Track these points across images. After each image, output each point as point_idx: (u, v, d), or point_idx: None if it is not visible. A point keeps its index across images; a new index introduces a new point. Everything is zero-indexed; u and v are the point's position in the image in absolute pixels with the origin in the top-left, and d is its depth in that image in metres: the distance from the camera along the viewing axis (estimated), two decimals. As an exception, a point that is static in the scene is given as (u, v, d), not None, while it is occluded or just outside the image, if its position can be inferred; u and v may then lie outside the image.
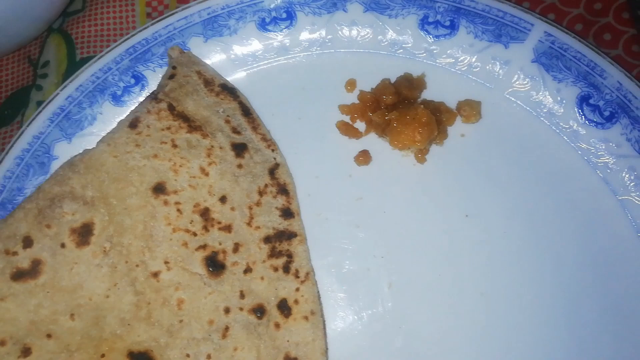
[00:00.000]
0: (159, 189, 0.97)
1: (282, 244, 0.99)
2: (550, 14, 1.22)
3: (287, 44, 1.15)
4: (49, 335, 0.87)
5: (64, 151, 1.07)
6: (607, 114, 1.04)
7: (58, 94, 1.08)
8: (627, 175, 1.02)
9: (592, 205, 1.03)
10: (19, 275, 0.89)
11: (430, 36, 1.12)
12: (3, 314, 0.87)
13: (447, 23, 1.11)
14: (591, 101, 1.05)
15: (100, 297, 0.91)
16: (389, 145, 1.09)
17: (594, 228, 1.02)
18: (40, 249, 0.91)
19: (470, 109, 1.09)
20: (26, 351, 0.85)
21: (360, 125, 1.12)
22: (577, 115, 1.06)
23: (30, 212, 0.94)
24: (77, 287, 0.91)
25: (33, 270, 0.90)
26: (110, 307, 0.91)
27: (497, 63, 1.10)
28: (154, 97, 1.06)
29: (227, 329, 0.92)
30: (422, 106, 1.04)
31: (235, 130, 1.06)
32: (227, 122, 1.06)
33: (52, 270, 0.90)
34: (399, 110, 1.05)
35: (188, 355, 0.89)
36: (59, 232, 0.92)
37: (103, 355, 0.87)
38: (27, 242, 0.91)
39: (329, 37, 1.15)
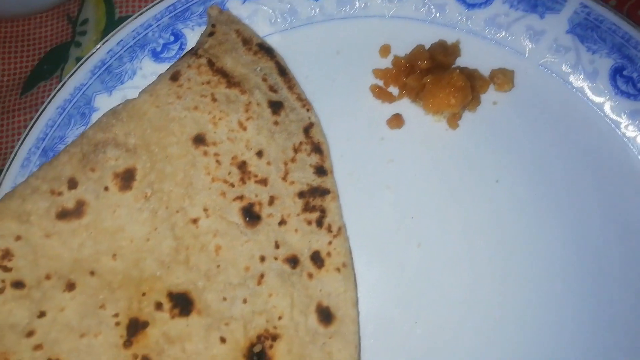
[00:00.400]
0: (199, 139, 1.00)
1: (315, 199, 1.02)
2: (584, -11, 1.22)
3: (324, 8, 1.17)
4: (92, 273, 0.90)
5: (105, 103, 1.09)
6: (640, 85, 1.06)
7: (99, 47, 1.11)
8: (660, 144, 1.04)
9: (622, 178, 1.05)
10: (63, 215, 0.92)
11: (466, 4, 1.13)
12: (48, 250, 0.90)
13: (484, -8, 1.12)
14: (625, 73, 1.06)
15: (141, 240, 0.94)
16: (422, 110, 1.11)
17: (623, 201, 1.04)
18: (84, 191, 0.93)
19: (503, 78, 1.10)
20: (71, 286, 0.88)
21: (394, 90, 1.14)
22: (610, 86, 1.07)
23: (75, 156, 0.96)
24: (118, 229, 0.94)
25: (77, 211, 0.93)
26: (150, 250, 0.94)
27: (532, 33, 1.11)
28: (194, 52, 1.08)
29: (262, 276, 0.94)
30: (457, 71, 1.06)
31: (272, 89, 1.08)
32: (264, 80, 1.08)
33: (95, 212, 0.93)
34: (434, 74, 1.07)
35: (225, 299, 0.92)
36: (102, 175, 0.95)
37: (144, 294, 0.90)
38: (72, 184, 0.94)
39: (365, 3, 1.17)
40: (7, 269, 0.87)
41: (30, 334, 0.84)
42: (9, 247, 0.88)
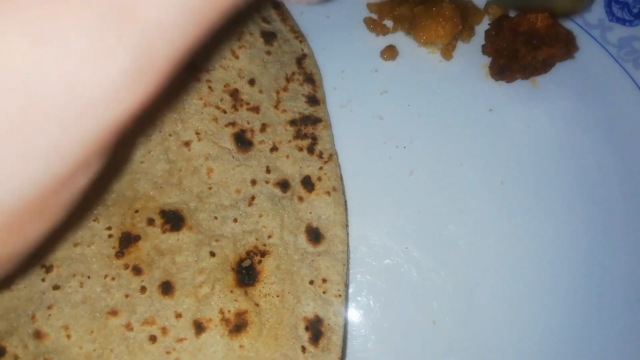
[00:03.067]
0: (191, 65, 1.01)
1: (307, 127, 1.03)
2: None
3: (319, -54, 1.18)
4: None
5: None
6: (635, 10, 1.04)
7: None
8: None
9: (618, 103, 1.05)
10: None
11: None
12: (45, 168, 0.93)
13: None
14: (620, -2, 1.05)
15: (135, 162, 0.96)
16: (416, 42, 1.11)
17: (620, 125, 1.03)
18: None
19: (497, 9, 1.10)
20: (66, 200, 0.91)
21: (388, 23, 1.14)
22: (605, 13, 1.06)
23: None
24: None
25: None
26: (144, 171, 0.96)
27: (528, -38, 1.10)
28: (189, -14, 1.10)
29: (253, 198, 0.96)
30: (447, 1, 1.05)
31: (265, 20, 1.09)
32: (258, 12, 1.09)
33: (91, 133, 0.95)
34: (425, 4, 1.07)
35: (216, 218, 0.94)
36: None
37: (137, 211, 0.92)
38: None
39: (360, -62, 1.17)
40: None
41: (26, 242, 0.87)
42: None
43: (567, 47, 0.99)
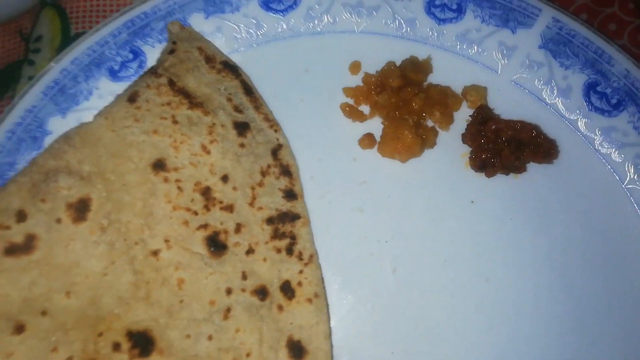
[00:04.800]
0: (159, 165, 0.94)
1: (285, 225, 0.97)
2: (556, 3, 1.21)
3: (291, 25, 1.13)
4: (43, 313, 0.83)
5: (59, 126, 1.03)
6: (614, 101, 1.04)
7: (52, 66, 1.04)
8: (633, 164, 1.02)
9: (598, 193, 1.04)
10: (11, 251, 0.85)
11: (437, 19, 1.10)
12: (-6, 291, 0.83)
13: (454, 7, 1.10)
14: (598, 88, 1.05)
15: (98, 275, 0.88)
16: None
17: (600, 214, 1.03)
18: (34, 224, 0.87)
19: (476, 94, 1.08)
20: (19, 328, 0.81)
21: (365, 108, 1.10)
22: (584, 102, 1.06)
23: (24, 186, 0.90)
24: (73, 264, 0.87)
25: (27, 246, 0.86)
26: (108, 286, 0.88)
27: (504, 48, 1.09)
28: (153, 72, 1.02)
29: (228, 310, 0.89)
30: (409, 130, 1.02)
31: (237, 109, 1.03)
32: (229, 100, 1.03)
33: (47, 246, 0.86)
34: (392, 119, 1.04)
35: (189, 336, 0.86)
36: (54, 207, 0.88)
37: (101, 334, 0.84)
38: (21, 217, 0.87)
39: (334, 18, 1.13)
40: (-55, 314, 0.79)
41: (-28, 385, 0.77)
42: (-52, 289, 0.81)
43: (548, 156, 0.98)
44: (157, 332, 0.86)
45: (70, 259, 0.87)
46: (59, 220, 0.88)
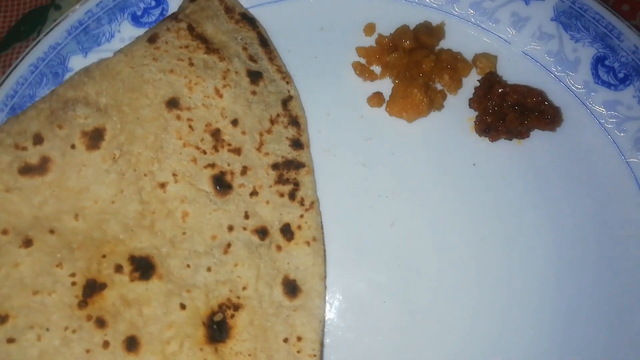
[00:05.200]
0: (172, 103, 0.97)
1: (289, 172, 1.00)
2: (572, -18, 1.22)
3: (310, -16, 1.16)
4: (51, 231, 0.87)
5: (79, 64, 1.06)
6: (621, 75, 1.05)
7: (78, 7, 1.08)
8: (636, 137, 1.03)
9: (598, 164, 1.05)
10: (26, 170, 0.89)
11: (453, -14, 1.13)
12: (7, 205, 0.87)
13: (471, -25, 1.12)
14: (606, 62, 1.06)
15: (106, 201, 0.91)
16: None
17: (599, 185, 1.04)
18: (50, 147, 0.90)
19: (486, 62, 1.10)
20: (27, 242, 0.85)
21: (376, 69, 1.12)
22: (591, 75, 1.07)
23: (42, 112, 0.93)
24: (83, 189, 0.91)
25: (41, 167, 0.89)
26: (115, 212, 0.91)
27: (517, 19, 1.11)
28: (174, 17, 1.06)
29: (229, 245, 0.92)
30: (418, 89, 1.04)
31: (252, 59, 1.06)
32: (245, 49, 1.06)
33: (59, 170, 0.90)
34: (402, 78, 1.06)
35: (188, 266, 0.89)
36: (70, 133, 0.92)
37: (104, 256, 0.87)
38: (38, 139, 0.91)
39: (352, -20, 1.15)
40: (-40, 220, 0.83)
41: (-20, 287, 0.81)
42: (-35, 199, 0.85)
43: (552, 123, 1.00)
44: (158, 259, 0.89)
45: (81, 183, 0.91)
46: (73, 146, 0.91)
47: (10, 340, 0.78)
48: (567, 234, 1.02)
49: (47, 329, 0.80)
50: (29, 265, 0.84)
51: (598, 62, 1.07)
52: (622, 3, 1.19)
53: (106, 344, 0.80)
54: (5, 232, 0.85)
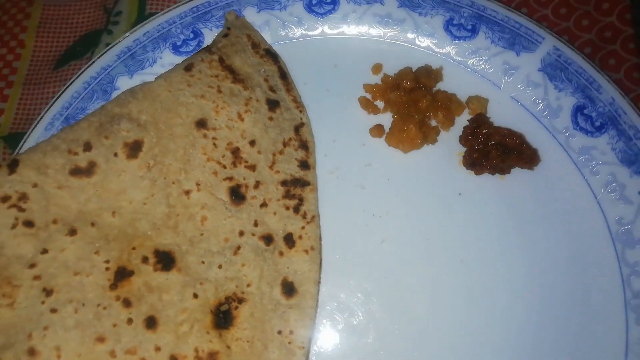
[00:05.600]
0: (201, 123, 1.14)
1: (296, 189, 1.15)
2: (565, 35, 1.36)
3: (327, 26, 1.32)
4: (92, 224, 1.04)
5: (125, 84, 1.25)
6: (597, 124, 1.18)
7: (128, 35, 1.27)
8: (607, 180, 1.15)
9: (572, 201, 1.17)
10: (76, 172, 1.06)
11: (453, 36, 1.28)
12: (58, 200, 1.04)
13: (469, 27, 1.27)
14: (585, 111, 1.19)
15: (139, 203, 1.08)
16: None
17: (571, 220, 1.16)
18: (96, 154, 1.08)
19: (478, 104, 1.24)
20: (73, 232, 1.02)
21: (380, 104, 1.28)
22: (571, 122, 1.20)
23: (93, 124, 1.11)
24: (121, 191, 1.08)
25: (88, 170, 1.07)
26: (146, 212, 1.08)
27: (508, 67, 1.25)
28: (208, 49, 1.24)
29: (238, 248, 1.07)
30: (414, 125, 1.19)
31: (272, 89, 1.23)
32: (266, 81, 1.23)
33: (103, 173, 1.07)
34: (401, 114, 1.21)
35: (203, 262, 1.05)
36: (114, 143, 1.09)
37: (134, 248, 1.03)
38: (87, 147, 1.08)
39: (364, 25, 1.31)
40: (21, 209, 1.01)
41: (32, 265, 0.98)
42: (25, 192, 1.02)
43: (530, 162, 1.15)
44: (178, 254, 1.05)
45: (120, 186, 1.08)
46: (116, 155, 1.09)
47: (53, 310, 0.95)
48: (539, 262, 1.13)
49: (83, 304, 0.96)
50: (73, 251, 1.01)
51: (578, 110, 1.20)
52: (608, 58, 1.31)
53: (130, 321, 0.96)
54: (55, 221, 1.02)
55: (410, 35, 1.30)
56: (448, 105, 1.23)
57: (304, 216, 1.13)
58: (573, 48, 1.21)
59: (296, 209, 1.13)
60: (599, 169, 1.17)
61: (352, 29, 1.32)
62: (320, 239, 1.13)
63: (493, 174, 1.18)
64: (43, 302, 0.95)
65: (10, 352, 0.92)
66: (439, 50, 1.29)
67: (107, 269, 1.00)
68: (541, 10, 1.39)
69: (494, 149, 1.14)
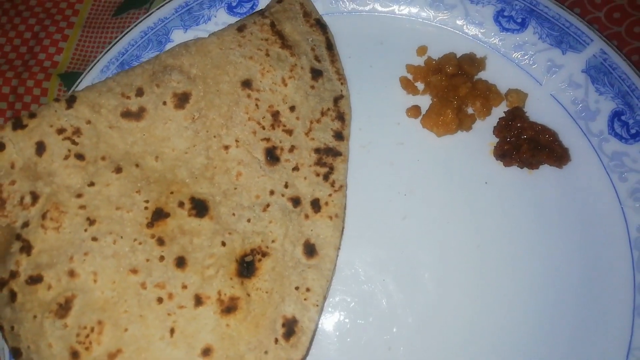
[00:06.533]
0: (246, 83, 1.19)
1: (328, 157, 1.20)
2: (614, 40, 1.36)
3: (379, 2, 1.34)
4: (137, 165, 1.11)
5: (179, 37, 1.31)
6: (633, 131, 1.19)
7: (187, -9, 1.32)
8: (634, 188, 1.17)
9: (596, 205, 1.19)
10: (127, 114, 1.13)
11: (501, 27, 1.29)
12: (108, 139, 1.12)
13: (519, 20, 1.27)
14: (623, 117, 1.20)
15: (181, 151, 1.15)
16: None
17: (593, 224, 1.18)
18: (147, 100, 1.15)
19: (516, 97, 1.25)
20: (118, 170, 1.09)
21: (420, 85, 1.31)
22: (607, 126, 1.21)
23: (146, 72, 1.18)
24: (165, 138, 1.14)
25: (138, 115, 1.14)
26: (186, 161, 1.14)
27: (551, 65, 1.26)
28: (261, 13, 1.28)
29: (268, 205, 1.13)
30: (452, 110, 1.21)
31: (317, 59, 1.27)
32: (313, 50, 1.27)
33: (151, 119, 1.14)
34: (440, 97, 1.23)
35: (234, 214, 1.11)
36: (164, 92, 1.16)
37: (172, 193, 1.10)
38: (139, 92, 1.15)
39: (416, 6, 1.33)
40: (74, 142, 1.09)
41: (79, 195, 1.06)
42: (80, 127, 1.10)
43: (559, 161, 1.17)
44: (212, 204, 1.12)
45: (165, 133, 1.15)
46: (164, 103, 1.15)
47: (94, 239, 1.03)
48: (554, 258, 1.16)
49: (121, 237, 1.04)
50: (116, 187, 1.08)
51: (615, 115, 1.20)
52: (632, 54, 1.31)
53: (162, 258, 1.04)
54: (103, 158, 1.10)
55: (459, 22, 1.31)
56: (487, 95, 1.25)
57: (333, 184, 1.18)
58: (620, 53, 1.21)
59: (326, 177, 1.18)
60: (627, 176, 1.18)
61: (402, 9, 1.34)
62: (345, 208, 1.18)
63: (522, 168, 1.21)
64: (86, 230, 1.04)
65: (53, 271, 1.00)
66: (485, 39, 1.30)
67: (146, 208, 1.08)
68: (594, 12, 1.38)
69: (526, 143, 1.17)
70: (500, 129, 1.21)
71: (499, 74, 1.28)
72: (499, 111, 1.26)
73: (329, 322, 1.14)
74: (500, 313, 1.14)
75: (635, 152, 1.18)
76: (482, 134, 1.26)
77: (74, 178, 1.07)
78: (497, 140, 1.24)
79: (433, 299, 1.15)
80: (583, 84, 1.23)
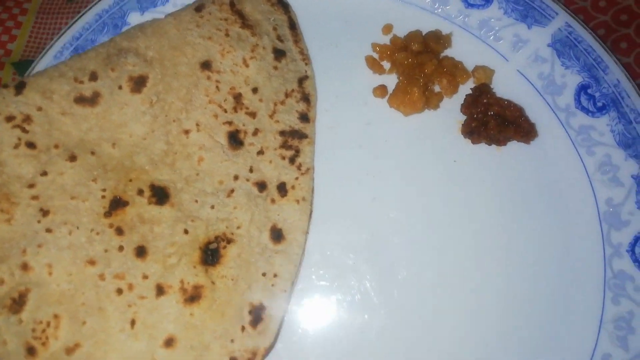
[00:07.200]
0: (206, 65, 1.15)
1: (293, 140, 1.17)
2: (580, 15, 1.35)
3: (343, -19, 1.31)
4: (92, 153, 1.07)
5: (136, 20, 1.25)
6: (600, 104, 1.18)
7: (142, -28, 1.27)
8: (602, 161, 1.16)
9: (565, 179, 1.18)
10: (80, 100, 1.08)
11: (466, 3, 1.27)
12: (61, 125, 1.07)
13: (484, -5, 1.26)
14: (589, 91, 1.19)
15: (139, 137, 1.10)
16: (404, 88, 1.24)
17: (562, 197, 1.17)
18: (101, 85, 1.10)
19: (483, 74, 1.24)
20: (72, 158, 1.04)
21: (386, 64, 1.28)
22: (573, 100, 1.20)
23: (100, 55, 1.13)
24: (122, 124, 1.10)
25: (92, 100, 1.09)
26: (145, 147, 1.10)
27: (517, 40, 1.24)
28: (220, -8, 1.24)
29: (232, 191, 1.10)
30: (418, 88, 1.18)
31: (279, 38, 1.23)
32: (275, 29, 1.23)
33: (106, 104, 1.09)
34: (406, 76, 1.21)
35: (196, 201, 1.08)
36: (119, 76, 1.11)
37: (130, 180, 1.06)
38: (93, 76, 1.10)
39: (381, -16, 1.31)
40: (24, 130, 1.03)
41: (31, 186, 1.01)
42: (30, 114, 1.05)
43: (527, 136, 1.16)
44: (173, 191, 1.08)
45: (121, 119, 1.10)
46: (120, 87, 1.10)
47: (48, 230, 0.98)
48: (525, 233, 1.15)
49: (77, 227, 1.00)
50: (71, 176, 1.03)
51: (582, 89, 1.20)
52: (620, 41, 1.30)
53: (121, 248, 1.00)
54: (56, 146, 1.05)
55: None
56: (453, 72, 1.23)
57: (299, 167, 1.15)
58: (585, 26, 1.20)
59: (292, 160, 1.15)
60: (595, 150, 1.17)
61: (366, -13, 1.31)
62: (312, 191, 1.15)
63: (489, 145, 1.19)
64: (39, 222, 0.99)
65: (5, 265, 0.96)
66: (450, 16, 1.28)
67: (103, 197, 1.04)
68: (560, -14, 1.37)
69: (493, 119, 1.15)
70: (467, 106, 1.19)
71: (465, 50, 1.26)
72: (467, 89, 1.25)
73: (298, 307, 1.11)
74: (471, 289, 1.12)
75: (602, 126, 1.17)
76: (450, 112, 1.24)
77: (25, 167, 1.02)
78: (465, 118, 1.22)
79: (405, 279, 1.13)
80: (549, 59, 1.22)
